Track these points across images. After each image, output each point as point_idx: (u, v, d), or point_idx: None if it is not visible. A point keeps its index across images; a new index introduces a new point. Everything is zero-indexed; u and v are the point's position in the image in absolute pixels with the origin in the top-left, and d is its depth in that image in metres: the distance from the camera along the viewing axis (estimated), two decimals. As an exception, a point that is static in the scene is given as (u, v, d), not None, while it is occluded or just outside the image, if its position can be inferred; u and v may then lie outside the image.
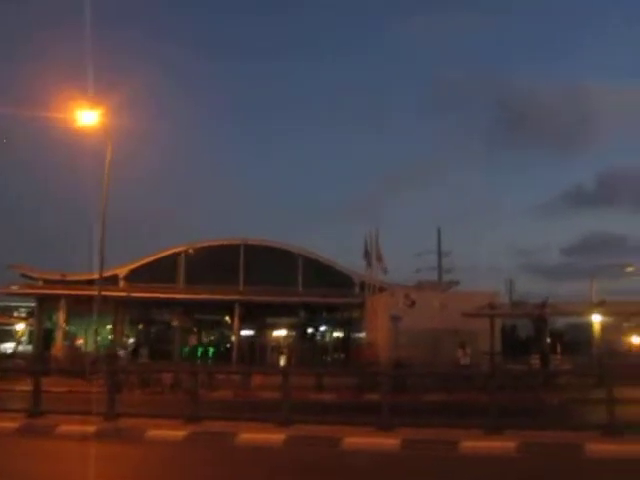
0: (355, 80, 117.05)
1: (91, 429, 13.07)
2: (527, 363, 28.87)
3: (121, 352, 31.86)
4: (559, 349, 35.68)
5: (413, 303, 31.73)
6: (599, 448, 10.66)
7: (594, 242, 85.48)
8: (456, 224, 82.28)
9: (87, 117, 24.56)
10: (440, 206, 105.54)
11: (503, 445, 11.10)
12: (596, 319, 31.71)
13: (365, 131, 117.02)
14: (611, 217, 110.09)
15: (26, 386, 17.30)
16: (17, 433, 13.30)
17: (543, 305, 29.81)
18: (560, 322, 43.83)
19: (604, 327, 32.39)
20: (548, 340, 32.50)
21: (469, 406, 15.41)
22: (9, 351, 38.51)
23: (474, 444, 11.19)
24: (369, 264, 37.06)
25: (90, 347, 34.56)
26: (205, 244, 43.04)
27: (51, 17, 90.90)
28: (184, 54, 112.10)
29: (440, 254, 53.46)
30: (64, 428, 13.25)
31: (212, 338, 46.84)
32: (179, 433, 12.65)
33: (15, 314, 45.81)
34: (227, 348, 41.99)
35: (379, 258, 37.30)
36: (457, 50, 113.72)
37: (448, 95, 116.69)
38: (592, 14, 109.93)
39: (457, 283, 47.15)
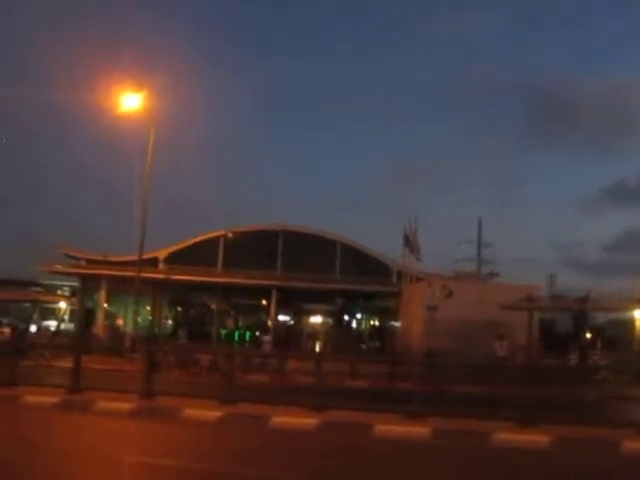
0: (392, 75, 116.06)
1: (128, 407, 13.37)
2: (565, 358, 28.41)
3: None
4: (599, 345, 35.04)
5: (450, 293, 31.45)
6: (635, 446, 10.47)
7: (636, 239, 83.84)
8: (499, 218, 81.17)
9: (130, 100, 24.93)
10: (482, 199, 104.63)
11: (536, 439, 10.95)
12: (638, 315, 31.03)
13: (402, 124, 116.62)
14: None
15: (67, 363, 17.74)
16: (57, 408, 13.68)
17: (584, 299, 29.26)
18: (601, 318, 43.13)
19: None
20: (588, 335, 31.92)
21: (503, 398, 15.25)
22: (52, 328, 39.41)
23: (506, 436, 11.08)
24: (410, 251, 36.77)
25: (130, 327, 35.21)
26: (244, 229, 43.29)
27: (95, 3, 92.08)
28: (226, 44, 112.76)
29: (480, 245, 52.94)
30: (102, 405, 13.56)
31: (249, 322, 47.27)
32: (214, 414, 12.83)
33: (58, 292, 46.86)
34: (263, 333, 42.31)
35: (417, 247, 36.96)
36: (494, 45, 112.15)
37: (487, 89, 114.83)
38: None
39: (497, 274, 46.73)
